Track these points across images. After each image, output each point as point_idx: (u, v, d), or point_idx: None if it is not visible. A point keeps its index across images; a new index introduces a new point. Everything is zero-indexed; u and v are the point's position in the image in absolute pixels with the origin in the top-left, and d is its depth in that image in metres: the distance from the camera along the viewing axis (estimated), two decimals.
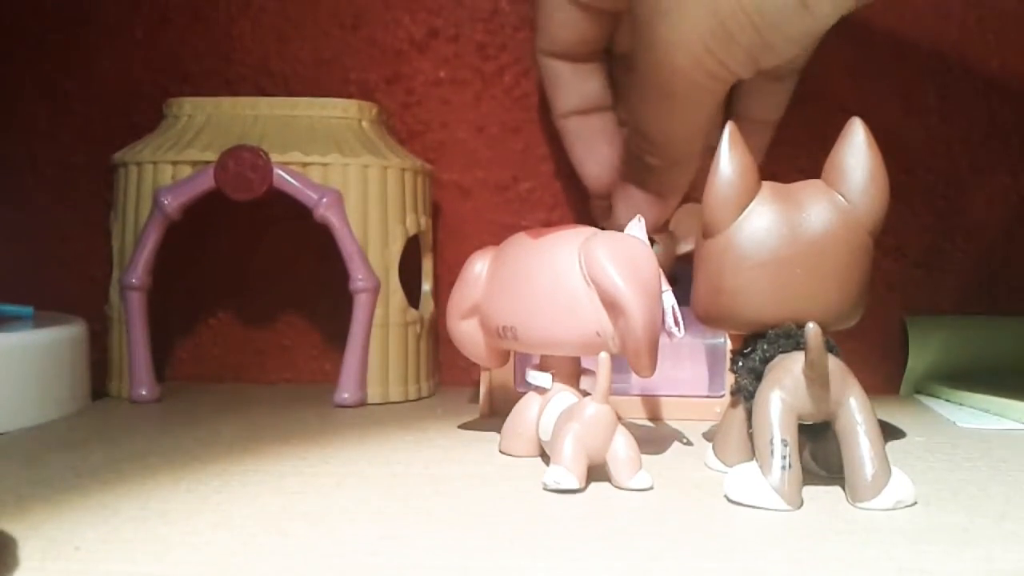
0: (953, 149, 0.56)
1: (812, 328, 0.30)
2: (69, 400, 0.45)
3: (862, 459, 0.31)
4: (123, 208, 0.50)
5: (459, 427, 0.43)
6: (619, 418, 0.33)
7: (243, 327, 0.57)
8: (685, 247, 0.48)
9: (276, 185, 0.47)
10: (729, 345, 0.40)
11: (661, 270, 0.35)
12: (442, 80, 0.56)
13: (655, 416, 0.46)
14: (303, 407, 0.48)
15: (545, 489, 0.32)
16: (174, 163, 0.48)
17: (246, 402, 0.49)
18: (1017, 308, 0.56)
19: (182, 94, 0.52)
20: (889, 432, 0.41)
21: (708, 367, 0.46)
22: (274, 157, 0.47)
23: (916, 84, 0.55)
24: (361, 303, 0.48)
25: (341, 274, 0.48)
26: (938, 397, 0.51)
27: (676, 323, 0.35)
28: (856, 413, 0.31)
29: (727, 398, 0.36)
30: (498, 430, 0.39)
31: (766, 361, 0.33)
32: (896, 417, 0.46)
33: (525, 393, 0.38)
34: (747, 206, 0.34)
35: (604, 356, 0.33)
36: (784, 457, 0.30)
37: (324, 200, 0.48)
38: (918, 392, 0.53)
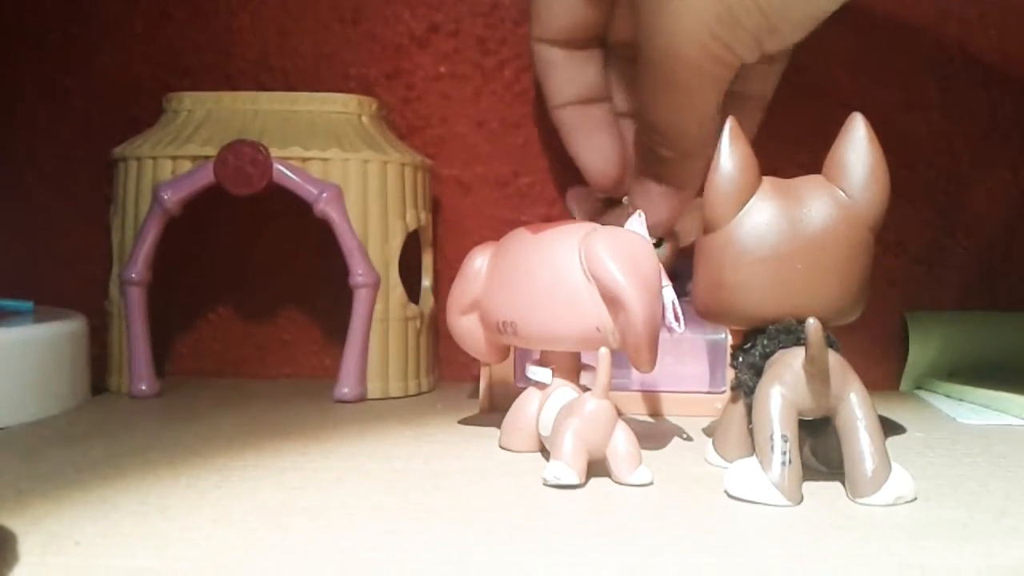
0: (954, 144, 0.56)
1: (812, 324, 0.30)
2: (69, 395, 0.45)
3: (862, 455, 0.31)
4: (123, 203, 0.50)
5: (459, 422, 0.43)
6: (619, 413, 0.33)
7: (243, 322, 0.57)
8: (686, 240, 0.48)
9: (276, 180, 0.47)
10: (729, 340, 0.40)
11: (661, 265, 0.35)
12: (442, 75, 0.56)
13: (655, 412, 0.46)
14: (303, 402, 0.48)
15: (545, 484, 0.32)
16: (174, 158, 0.48)
17: (246, 397, 0.49)
18: (1018, 304, 0.56)
19: (182, 89, 0.52)
20: (889, 428, 0.41)
21: (709, 363, 0.46)
22: (274, 152, 0.47)
23: (917, 79, 0.55)
24: (361, 298, 0.48)
25: (341, 269, 0.48)
26: (938, 393, 0.51)
27: (676, 318, 0.35)
28: (856, 409, 0.31)
29: (727, 394, 0.36)
30: (498, 425, 0.39)
31: (766, 356, 0.33)
32: (896, 413, 0.46)
33: (525, 388, 0.38)
34: (747, 201, 0.34)
35: (604, 351, 0.33)
36: (784, 453, 0.30)
37: (324, 195, 0.47)
38: (918, 388, 0.53)
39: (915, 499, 0.31)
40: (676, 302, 0.35)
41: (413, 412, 0.46)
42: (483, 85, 0.56)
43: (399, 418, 0.44)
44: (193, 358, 0.57)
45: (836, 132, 0.34)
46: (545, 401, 0.36)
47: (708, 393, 0.46)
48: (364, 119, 0.51)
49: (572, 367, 0.37)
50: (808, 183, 0.34)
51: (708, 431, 0.41)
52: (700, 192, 0.43)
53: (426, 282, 0.54)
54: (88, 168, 0.56)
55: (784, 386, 0.31)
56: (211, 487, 0.31)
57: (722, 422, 0.36)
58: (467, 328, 0.39)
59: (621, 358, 0.35)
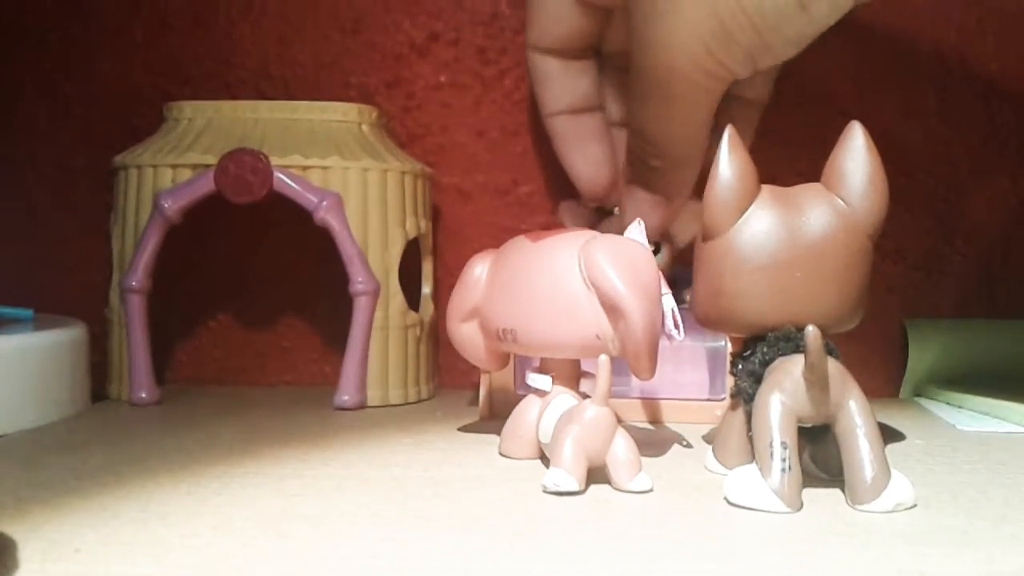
0: (952, 152, 0.56)
1: (812, 331, 0.30)
2: (69, 403, 0.45)
3: (862, 461, 0.31)
4: (123, 211, 0.50)
5: (459, 430, 0.43)
6: (619, 420, 0.33)
7: (243, 330, 0.57)
8: (682, 242, 0.48)
9: (276, 188, 0.47)
10: (729, 348, 0.40)
11: (661, 273, 0.35)
12: (442, 84, 0.56)
13: (655, 419, 0.46)
14: (303, 410, 0.48)
15: (545, 491, 0.32)
16: (174, 166, 0.48)
17: (246, 405, 0.49)
18: (1017, 311, 0.56)
19: (182, 97, 0.52)
20: (889, 435, 0.41)
21: (708, 370, 0.46)
22: (274, 160, 0.47)
23: (915, 87, 0.55)
24: (361, 306, 0.48)
25: (341, 277, 0.48)
26: (938, 400, 0.51)
27: (676, 326, 0.35)
28: (856, 416, 0.31)
29: (727, 401, 0.36)
30: (498, 433, 0.39)
31: (766, 364, 0.33)
32: (896, 420, 0.45)
33: (525, 396, 0.38)
34: (747, 209, 0.34)
35: (604, 359, 0.33)
36: (784, 460, 0.30)
37: (324, 203, 0.48)
38: (918, 395, 0.53)
39: (915, 506, 0.31)
40: (676, 310, 0.35)
41: (413, 419, 0.46)
42: (483, 94, 0.56)
43: (399, 425, 0.44)
44: (193, 366, 0.57)
45: (835, 140, 0.35)
46: (545, 408, 0.36)
47: (708, 400, 0.46)
48: (364, 128, 0.51)
49: (572, 374, 0.37)
50: (807, 191, 0.34)
51: (708, 438, 0.41)
52: (695, 195, 0.44)
53: (426, 290, 0.54)
54: (88, 176, 0.56)
55: (784, 393, 0.31)
56: (211, 494, 0.31)
57: (722, 429, 0.36)
58: (467, 335, 0.39)
59: (621, 365, 0.35)
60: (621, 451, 0.33)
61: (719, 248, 0.34)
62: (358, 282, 0.48)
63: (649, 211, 0.44)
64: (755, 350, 0.34)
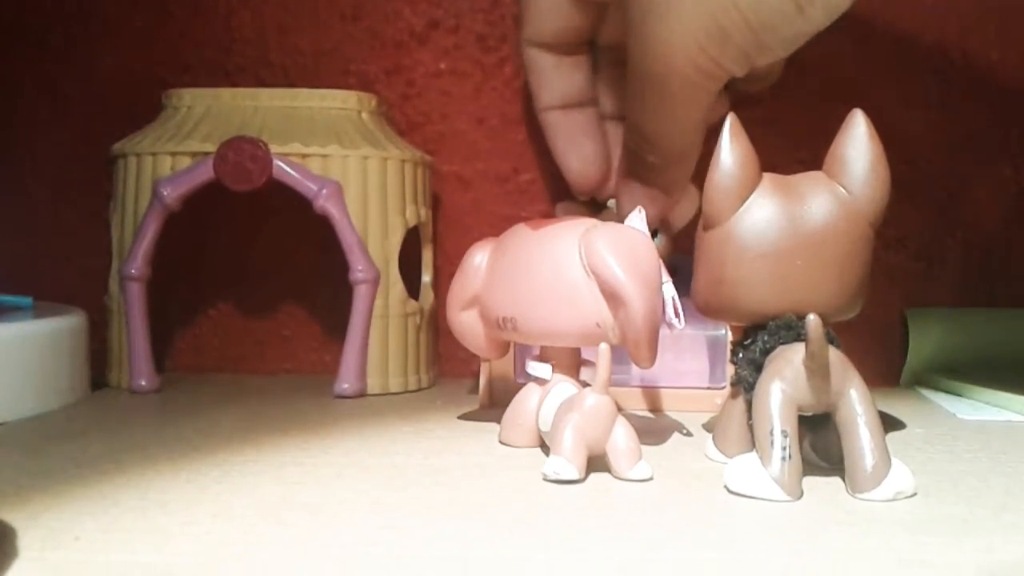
0: (954, 141, 0.56)
1: (813, 319, 0.30)
2: (68, 390, 0.45)
3: (862, 450, 0.31)
4: (122, 199, 0.50)
5: (459, 418, 0.43)
6: (619, 409, 0.33)
7: (243, 318, 0.57)
8: (678, 225, 0.48)
9: (275, 176, 0.47)
10: (730, 336, 0.40)
11: (661, 261, 0.35)
12: (442, 71, 0.56)
13: (655, 407, 0.46)
14: (303, 398, 0.48)
15: (545, 479, 0.32)
16: (173, 154, 0.48)
17: (246, 393, 0.49)
18: (1017, 301, 0.56)
19: (182, 85, 0.52)
20: (889, 423, 0.41)
21: (708, 358, 0.46)
22: (274, 148, 0.47)
23: (917, 76, 0.55)
24: (361, 294, 0.48)
25: (341, 265, 0.48)
26: (938, 389, 0.51)
27: (676, 314, 0.35)
28: (856, 404, 0.31)
29: (727, 389, 0.36)
30: (498, 421, 0.39)
31: (766, 352, 0.33)
32: (896, 408, 0.46)
33: (525, 384, 0.38)
34: (748, 198, 0.34)
35: (604, 347, 0.33)
36: (784, 448, 0.30)
37: (324, 191, 0.47)
38: (918, 384, 0.53)
39: (915, 494, 0.31)
40: (676, 298, 0.35)
41: (413, 408, 0.46)
42: (483, 82, 0.56)
43: (399, 414, 0.44)
44: (193, 354, 0.57)
45: (836, 129, 0.34)
46: (545, 397, 0.36)
47: (708, 389, 0.46)
48: (364, 115, 0.51)
49: (572, 363, 0.37)
50: (808, 179, 0.34)
51: (708, 427, 0.41)
52: (692, 180, 0.43)
53: (426, 278, 0.54)
54: (88, 164, 0.56)
55: (784, 382, 0.31)
56: (211, 482, 0.31)
57: (722, 418, 0.36)
58: (467, 324, 0.39)
59: (621, 354, 0.35)
60: (621, 439, 0.33)
61: (720, 236, 0.34)
62: (358, 270, 0.48)
63: (645, 203, 0.44)
64: (756, 338, 0.34)
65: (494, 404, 0.45)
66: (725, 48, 0.37)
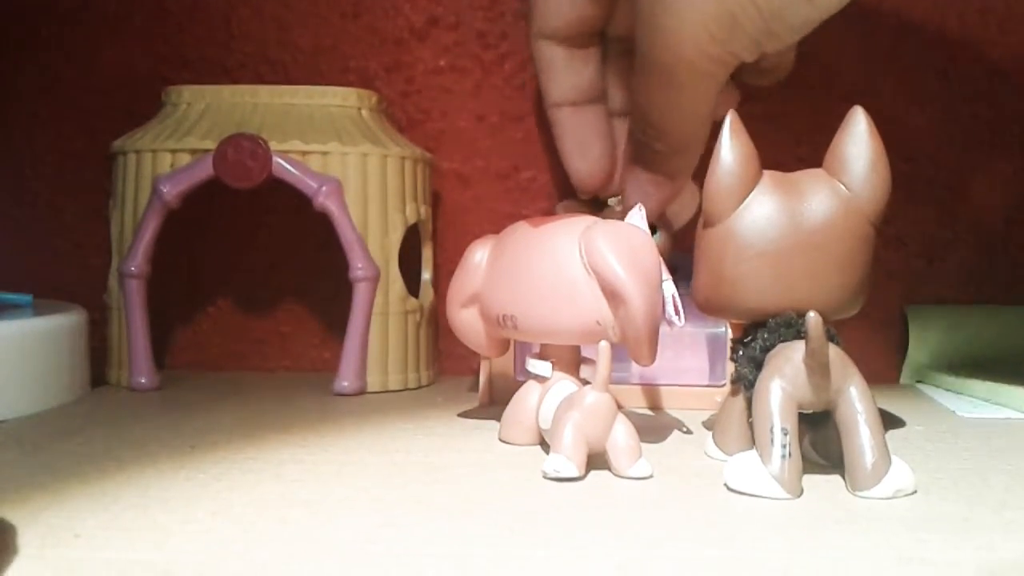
0: (955, 138, 0.55)
1: (813, 317, 0.30)
2: (68, 388, 0.45)
3: (862, 448, 0.31)
4: (122, 196, 0.50)
5: (459, 415, 0.43)
6: (619, 406, 0.33)
7: (243, 315, 0.57)
8: (679, 223, 0.48)
9: (275, 173, 0.47)
10: (730, 334, 0.40)
11: (661, 259, 0.35)
12: (442, 68, 0.56)
13: (655, 405, 0.46)
14: (303, 395, 0.48)
15: (545, 477, 0.32)
16: (173, 151, 0.48)
17: (246, 390, 0.49)
18: (1018, 297, 0.55)
19: (181, 82, 0.52)
20: (889, 421, 0.41)
21: (708, 356, 0.46)
22: (273, 145, 0.47)
23: (918, 72, 0.55)
24: (361, 292, 0.48)
25: (341, 263, 0.48)
26: (938, 386, 0.51)
27: (676, 312, 0.35)
28: (856, 402, 0.31)
29: (727, 387, 0.36)
30: (498, 418, 0.39)
31: (766, 350, 0.33)
32: (896, 406, 0.45)
33: (525, 381, 0.38)
34: (748, 195, 0.34)
35: (604, 345, 0.33)
36: (784, 446, 0.30)
37: (323, 189, 0.47)
38: (918, 381, 0.53)
39: (915, 492, 0.31)
40: (676, 296, 0.35)
41: (412, 405, 0.46)
42: (483, 79, 0.56)
43: (399, 411, 0.44)
44: (193, 351, 0.57)
45: (837, 126, 0.34)
46: (545, 394, 0.36)
47: (708, 387, 0.46)
48: (364, 112, 0.51)
49: (572, 360, 0.37)
50: (809, 177, 0.34)
51: (708, 424, 0.41)
52: (692, 178, 0.43)
53: (426, 275, 0.54)
54: (87, 161, 0.56)
55: (784, 379, 0.31)
56: (211, 480, 0.31)
57: (722, 415, 0.36)
58: (467, 321, 0.39)
59: (621, 351, 0.35)
60: (621, 437, 0.33)
61: (720, 234, 0.34)
62: (358, 268, 0.48)
63: (651, 192, 0.43)
64: (756, 336, 0.34)
65: (494, 402, 0.45)
66: (734, 35, 0.37)
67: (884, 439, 0.31)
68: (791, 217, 0.33)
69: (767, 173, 0.34)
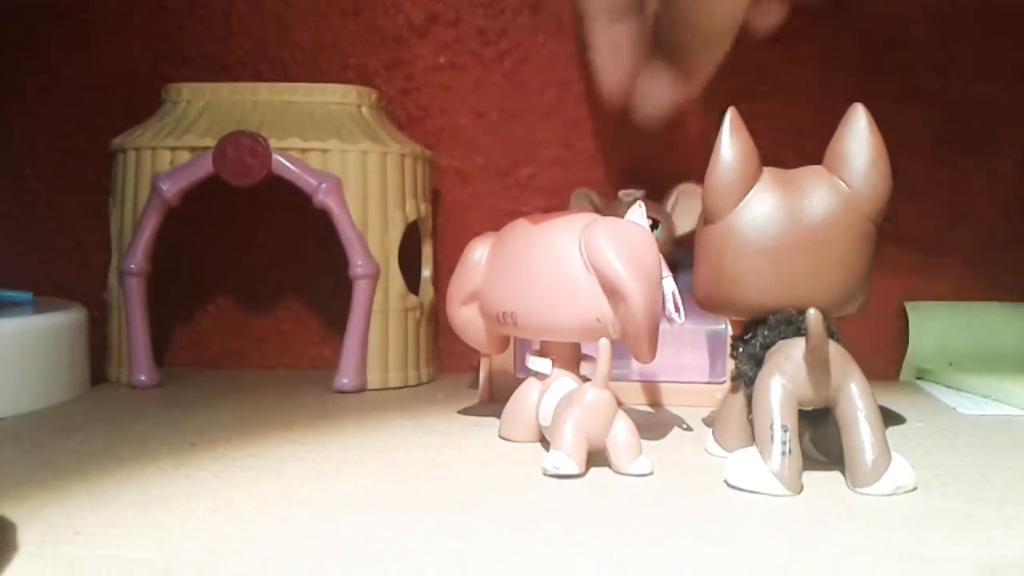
0: (954, 134, 0.55)
1: (813, 314, 0.30)
2: (68, 385, 0.45)
3: (862, 444, 0.31)
4: (122, 194, 0.50)
5: (459, 413, 0.43)
6: (619, 404, 0.33)
7: (243, 313, 0.57)
8: (684, 228, 0.48)
9: (275, 171, 0.47)
10: (730, 331, 0.40)
11: (662, 256, 0.35)
12: (442, 66, 0.56)
13: (655, 402, 0.46)
14: (303, 393, 0.48)
15: (545, 474, 0.32)
16: (172, 149, 0.48)
17: (246, 388, 0.49)
18: (1018, 294, 0.55)
19: (181, 79, 0.52)
20: (889, 418, 0.41)
21: (709, 353, 0.46)
22: (273, 143, 0.47)
23: (917, 69, 0.55)
24: (360, 289, 0.48)
25: (340, 260, 0.48)
26: (938, 383, 0.51)
27: (676, 309, 0.35)
28: (856, 399, 0.31)
29: (727, 384, 0.36)
30: (498, 416, 0.39)
31: (767, 347, 0.33)
32: (896, 403, 0.45)
33: (525, 379, 0.38)
34: (748, 192, 0.34)
35: (604, 342, 0.33)
36: (784, 443, 0.30)
37: (323, 186, 0.47)
38: (918, 378, 0.53)
39: (915, 489, 0.31)
40: (676, 292, 0.35)
41: (413, 403, 0.46)
42: (483, 76, 0.56)
43: (399, 408, 0.44)
44: (193, 349, 0.57)
45: (837, 122, 0.34)
46: (545, 391, 0.36)
47: (708, 383, 0.46)
48: (363, 110, 0.51)
49: (572, 357, 0.37)
50: (809, 173, 0.34)
51: (708, 421, 0.41)
52: (695, 180, 0.43)
53: (426, 273, 0.54)
54: (87, 159, 0.56)
55: (784, 376, 0.31)
56: (211, 477, 0.31)
57: (722, 412, 0.36)
58: (467, 318, 0.39)
59: (621, 348, 0.35)
60: (621, 434, 0.33)
61: (720, 231, 0.34)
62: (357, 265, 0.48)
63: (666, 91, 0.43)
64: (756, 333, 0.34)
65: (494, 399, 0.45)
66: None
67: (884, 436, 0.31)
68: (791, 214, 0.33)
69: (767, 170, 0.34)
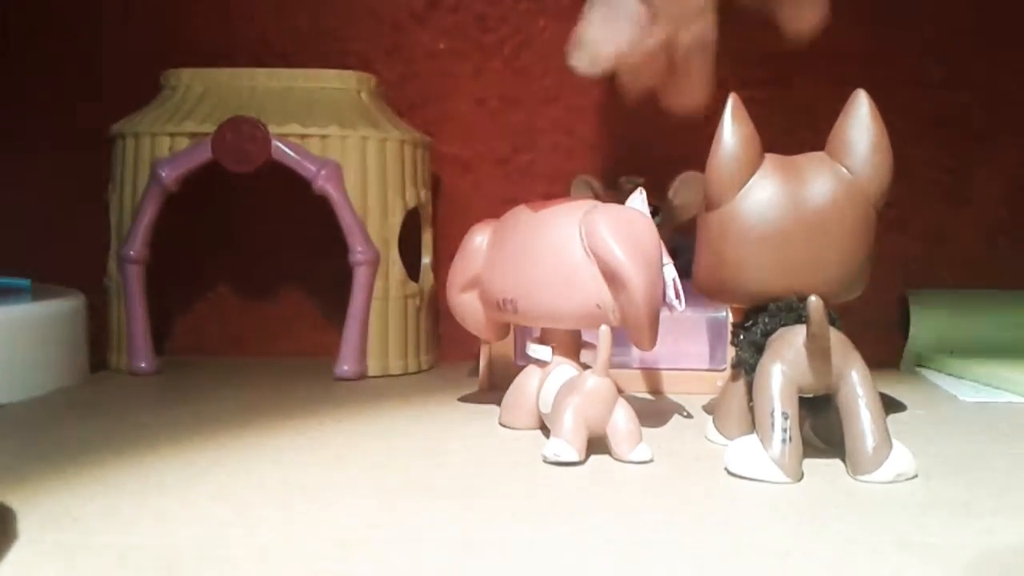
0: (957, 122, 0.55)
1: (814, 301, 0.30)
2: (68, 372, 0.45)
3: (863, 432, 0.31)
4: (121, 180, 0.50)
5: (459, 400, 0.43)
6: (620, 391, 0.33)
7: (242, 300, 0.57)
8: (685, 216, 0.47)
9: (274, 157, 0.47)
10: (730, 318, 0.40)
11: (662, 243, 0.35)
12: (441, 52, 0.55)
13: (656, 389, 0.46)
14: (303, 380, 0.47)
15: (545, 461, 0.32)
16: (172, 135, 0.48)
17: (245, 375, 0.49)
18: (1019, 282, 0.55)
19: (180, 65, 0.52)
20: (890, 405, 0.41)
21: (709, 340, 0.46)
22: (272, 129, 0.47)
23: (920, 57, 0.55)
24: (360, 276, 0.48)
25: (340, 247, 0.48)
26: (939, 370, 0.51)
27: (677, 296, 0.35)
28: (857, 386, 0.31)
29: (728, 371, 0.36)
30: (498, 403, 0.39)
31: (767, 334, 0.33)
32: (897, 390, 0.45)
33: (525, 366, 0.38)
34: (750, 179, 0.33)
35: (605, 329, 0.33)
36: (785, 430, 0.30)
37: (323, 172, 0.47)
38: (919, 366, 0.53)
39: (916, 476, 0.31)
40: (677, 280, 0.35)
41: (413, 389, 0.46)
42: (483, 62, 0.55)
43: (399, 395, 0.44)
44: (192, 336, 0.56)
45: (839, 109, 0.34)
46: (545, 379, 0.36)
47: (709, 371, 0.46)
48: (363, 96, 0.50)
49: (572, 345, 0.37)
50: (811, 160, 0.34)
51: (708, 409, 0.41)
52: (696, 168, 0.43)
53: (426, 260, 0.54)
54: (86, 145, 0.55)
55: (785, 363, 0.31)
56: (210, 464, 0.31)
57: (722, 400, 0.36)
58: (467, 305, 0.39)
59: (622, 336, 0.35)
60: (622, 421, 0.33)
61: (722, 218, 0.34)
62: (357, 251, 0.48)
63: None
64: (756, 320, 0.34)
65: (494, 386, 0.45)
66: None
67: (885, 423, 0.31)
68: (793, 200, 0.33)
69: (769, 156, 0.34)
